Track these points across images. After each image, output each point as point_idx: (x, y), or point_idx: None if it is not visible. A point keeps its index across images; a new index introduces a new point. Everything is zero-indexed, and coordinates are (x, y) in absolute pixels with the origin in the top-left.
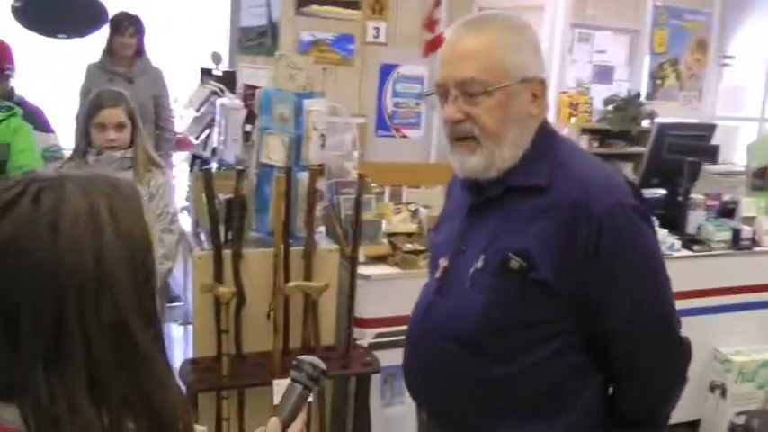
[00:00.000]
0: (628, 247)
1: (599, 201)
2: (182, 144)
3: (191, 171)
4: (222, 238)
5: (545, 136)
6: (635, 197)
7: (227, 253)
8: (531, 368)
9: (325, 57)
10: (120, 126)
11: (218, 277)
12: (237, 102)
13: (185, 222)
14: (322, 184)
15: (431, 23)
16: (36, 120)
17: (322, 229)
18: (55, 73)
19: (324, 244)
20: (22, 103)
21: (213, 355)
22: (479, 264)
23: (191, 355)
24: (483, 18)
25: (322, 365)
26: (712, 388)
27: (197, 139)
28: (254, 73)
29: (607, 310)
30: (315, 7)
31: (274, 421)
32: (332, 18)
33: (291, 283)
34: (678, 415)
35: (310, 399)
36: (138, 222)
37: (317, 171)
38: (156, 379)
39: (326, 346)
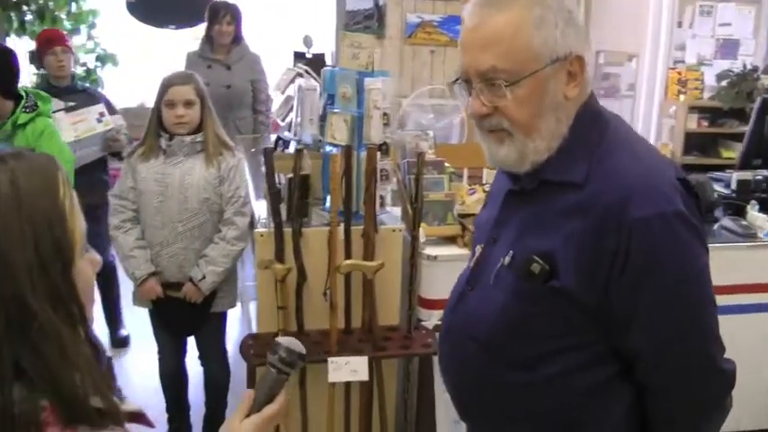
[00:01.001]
0: (661, 262)
1: (635, 207)
2: (276, 127)
3: (275, 152)
4: (284, 217)
5: (588, 120)
6: (686, 202)
7: (288, 232)
8: (550, 380)
9: (432, 38)
10: (188, 103)
11: (279, 255)
12: (313, 83)
13: None
14: (386, 164)
15: None
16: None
17: (393, 208)
18: (157, 63)
19: (390, 223)
20: (84, 89)
21: (274, 331)
22: (506, 260)
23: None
24: None
25: (299, 349)
26: None
27: (283, 120)
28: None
29: (632, 331)
30: None
31: (242, 408)
32: None
33: (346, 262)
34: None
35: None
36: (45, 198)
37: (375, 149)
38: (60, 354)
39: (389, 326)
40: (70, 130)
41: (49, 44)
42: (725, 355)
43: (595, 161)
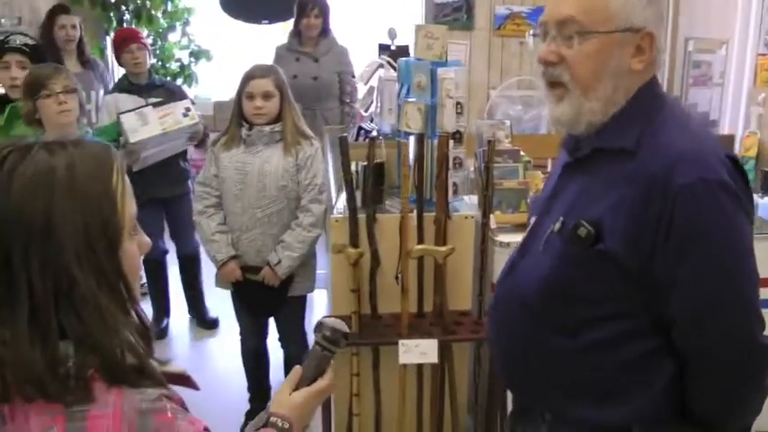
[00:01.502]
0: (704, 230)
1: (680, 174)
2: (362, 118)
3: (356, 142)
4: (359, 203)
5: (648, 97)
6: (733, 176)
7: (363, 218)
8: (594, 347)
9: (520, 30)
10: (267, 95)
11: (354, 240)
12: (393, 74)
13: None
14: (460, 152)
15: None
16: (177, 97)
17: (470, 197)
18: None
19: (465, 210)
20: (162, 84)
21: (347, 313)
22: (557, 226)
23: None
24: None
25: (343, 328)
26: None
27: (366, 111)
28: (451, 48)
29: (672, 299)
30: None
31: (292, 380)
32: None
33: (417, 247)
34: None
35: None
36: (97, 183)
37: (447, 137)
38: (101, 320)
39: (461, 311)
40: (157, 124)
41: (125, 42)
42: None
43: (647, 133)
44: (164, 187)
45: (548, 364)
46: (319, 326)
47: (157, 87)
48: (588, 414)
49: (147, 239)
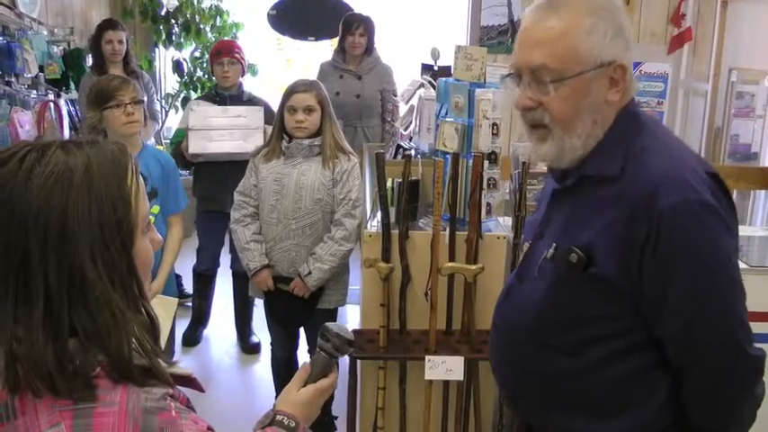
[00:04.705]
0: (689, 248)
1: (663, 196)
2: (402, 136)
3: (393, 159)
4: (393, 219)
5: (627, 122)
6: (715, 193)
7: (396, 234)
8: (593, 365)
9: None
10: (308, 109)
11: (386, 255)
12: (433, 93)
13: None
14: (495, 173)
15: (677, 18)
16: (265, 114)
17: (504, 218)
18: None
19: (498, 231)
20: (250, 99)
21: (376, 327)
22: (549, 252)
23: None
24: None
25: (348, 335)
26: None
27: (405, 129)
28: (495, 71)
29: (662, 316)
30: None
31: (299, 378)
32: None
33: (447, 264)
34: None
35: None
36: (112, 183)
37: (481, 157)
38: (111, 318)
39: (489, 330)
40: (218, 142)
41: (219, 55)
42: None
43: (630, 158)
44: (226, 202)
45: (548, 383)
46: (324, 332)
47: (243, 102)
48: (591, 428)
49: (159, 236)
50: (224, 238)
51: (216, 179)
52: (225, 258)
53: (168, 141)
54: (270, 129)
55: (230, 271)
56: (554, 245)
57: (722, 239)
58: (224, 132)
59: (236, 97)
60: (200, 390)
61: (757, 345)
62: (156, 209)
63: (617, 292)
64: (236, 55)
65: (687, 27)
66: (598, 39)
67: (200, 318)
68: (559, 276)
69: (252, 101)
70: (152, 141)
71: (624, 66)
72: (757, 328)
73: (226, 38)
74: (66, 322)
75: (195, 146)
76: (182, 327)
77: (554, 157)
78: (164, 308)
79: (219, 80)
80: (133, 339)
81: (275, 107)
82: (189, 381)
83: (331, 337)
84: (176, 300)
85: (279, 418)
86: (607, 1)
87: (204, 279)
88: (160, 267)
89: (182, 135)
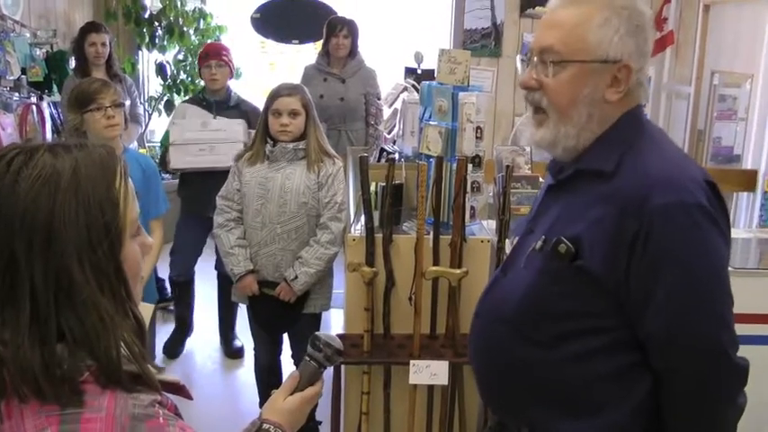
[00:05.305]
0: (679, 250)
1: (657, 196)
2: (386, 139)
3: (377, 163)
4: (377, 223)
5: (630, 124)
6: (711, 200)
7: (379, 237)
8: (570, 360)
9: None
10: (293, 113)
11: (369, 259)
12: (416, 97)
13: None
14: (478, 176)
15: (659, 21)
16: (250, 118)
17: (488, 221)
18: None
19: (482, 235)
20: (236, 105)
21: (360, 332)
22: (538, 244)
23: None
24: None
25: (337, 345)
26: None
27: (389, 133)
28: (478, 74)
29: (647, 316)
30: (539, 9)
31: (287, 387)
32: None
33: (431, 268)
34: None
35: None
36: (100, 186)
37: (465, 161)
38: (100, 322)
39: None
40: (199, 157)
41: (207, 58)
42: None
43: (626, 157)
44: (208, 205)
45: (525, 376)
46: (314, 341)
47: (230, 107)
48: (564, 427)
49: (150, 240)
50: (202, 246)
51: (202, 183)
52: (208, 262)
53: (152, 145)
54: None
55: (215, 272)
56: (543, 237)
57: (716, 243)
58: (204, 147)
59: (224, 102)
60: (189, 397)
61: (741, 345)
62: None
63: (601, 288)
64: (224, 57)
65: (669, 30)
66: (608, 33)
67: (181, 328)
68: (546, 267)
69: (239, 105)
70: (135, 145)
71: (630, 67)
72: (740, 330)
73: (209, 40)
74: (53, 326)
75: (176, 161)
76: (168, 332)
77: (549, 142)
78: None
79: (207, 83)
80: (122, 344)
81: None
82: (177, 388)
83: (322, 347)
84: (152, 306)
85: (265, 426)
86: (631, 2)
87: (180, 286)
88: None
89: (165, 140)
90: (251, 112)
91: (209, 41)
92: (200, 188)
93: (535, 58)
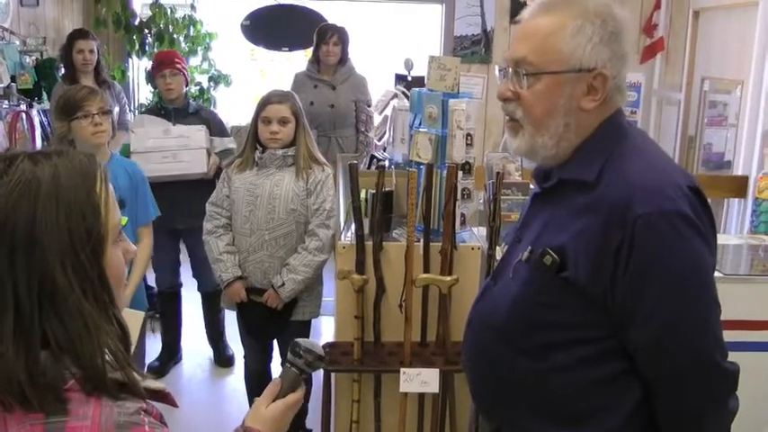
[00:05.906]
0: (663, 258)
1: (639, 205)
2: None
3: (367, 170)
4: (367, 230)
5: (609, 131)
6: (694, 207)
7: (370, 245)
8: (560, 369)
9: None
10: (283, 121)
11: (360, 266)
12: (406, 103)
13: None
14: (469, 183)
15: (650, 28)
16: (211, 125)
17: (479, 228)
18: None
19: (472, 242)
20: (196, 112)
21: (350, 340)
22: (525, 255)
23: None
24: None
25: (318, 351)
26: None
27: (380, 140)
28: (468, 81)
29: (634, 326)
30: None
31: (269, 394)
32: None
33: (421, 276)
34: None
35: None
36: (81, 191)
37: (455, 168)
38: (84, 329)
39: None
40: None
41: (160, 67)
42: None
43: (608, 165)
44: (178, 218)
45: (515, 386)
46: (294, 347)
47: (190, 115)
48: None
49: (133, 246)
50: (178, 257)
51: (167, 196)
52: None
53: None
54: (220, 141)
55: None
56: (529, 248)
57: (699, 251)
58: (168, 154)
59: (183, 109)
60: (174, 405)
61: (731, 352)
62: (123, 220)
63: (587, 299)
64: (178, 65)
65: (660, 37)
66: (581, 42)
67: (170, 347)
68: (532, 278)
69: (199, 112)
70: None
71: (605, 75)
72: (731, 336)
73: (200, 48)
74: (37, 333)
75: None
76: (157, 340)
77: (525, 151)
78: (130, 321)
79: (164, 93)
80: (106, 351)
81: (248, 118)
82: (162, 396)
83: (303, 353)
84: (143, 313)
85: None
86: (605, 8)
87: (167, 296)
88: (129, 279)
89: (125, 151)
90: (211, 119)
91: (158, 51)
92: (166, 202)
93: (510, 69)
